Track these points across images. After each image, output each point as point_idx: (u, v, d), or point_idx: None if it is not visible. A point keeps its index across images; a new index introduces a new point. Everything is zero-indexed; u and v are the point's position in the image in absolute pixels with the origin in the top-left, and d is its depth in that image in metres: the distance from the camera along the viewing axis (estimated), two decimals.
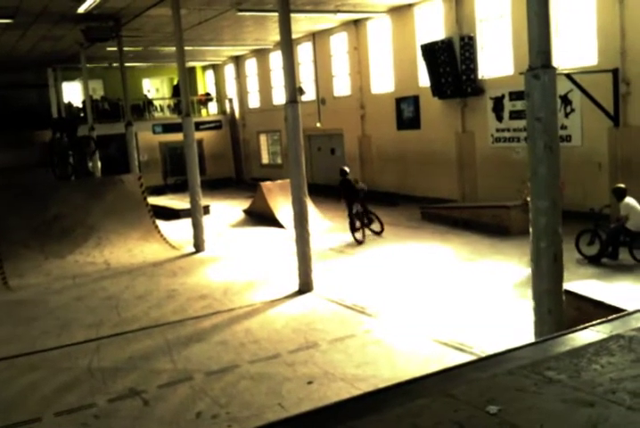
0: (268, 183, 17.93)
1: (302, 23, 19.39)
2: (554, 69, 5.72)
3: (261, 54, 26.21)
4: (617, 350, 2.73)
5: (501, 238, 12.94)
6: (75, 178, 20.76)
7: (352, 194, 14.00)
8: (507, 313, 8.41)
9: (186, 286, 11.10)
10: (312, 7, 16.99)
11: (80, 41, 18.47)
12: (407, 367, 6.77)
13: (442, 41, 16.33)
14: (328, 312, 9.13)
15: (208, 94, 30.87)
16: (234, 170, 30.12)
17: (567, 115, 13.88)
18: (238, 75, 28.90)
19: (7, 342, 8.57)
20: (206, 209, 16.93)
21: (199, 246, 13.98)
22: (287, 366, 7.11)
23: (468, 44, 16.06)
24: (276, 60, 24.19)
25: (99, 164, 21.66)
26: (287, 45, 10.10)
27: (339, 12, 17.78)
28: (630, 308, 3.89)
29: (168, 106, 29.66)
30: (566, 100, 13.73)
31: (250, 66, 27.80)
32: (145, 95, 30.07)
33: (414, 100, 18.37)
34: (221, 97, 30.46)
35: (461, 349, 7.20)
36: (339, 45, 21.60)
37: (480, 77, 16.20)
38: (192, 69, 30.28)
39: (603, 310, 6.02)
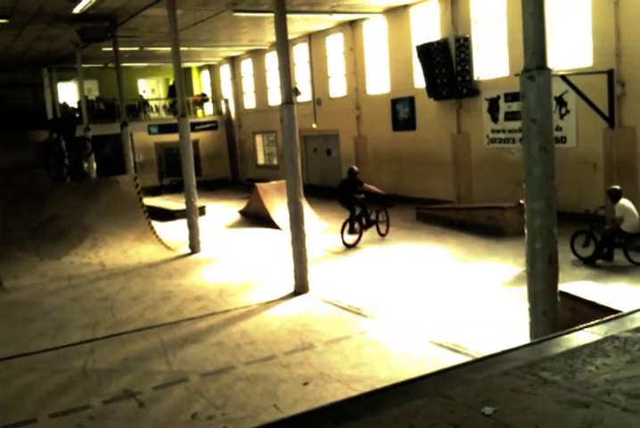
0: (264, 184, 17.93)
1: (298, 24, 19.40)
2: (549, 70, 5.74)
3: (257, 55, 26.21)
4: (612, 352, 2.74)
5: (496, 239, 12.96)
6: (70, 179, 20.70)
7: (354, 194, 13.76)
8: (502, 314, 8.43)
9: (182, 287, 11.08)
10: (308, 8, 17.00)
11: (76, 41, 18.44)
12: (403, 368, 6.78)
13: (438, 42, 16.36)
14: (324, 313, 9.13)
15: (203, 95, 30.85)
16: (230, 171, 30.11)
17: (562, 116, 13.92)
18: (234, 75, 28.89)
19: (3, 343, 8.55)
20: (202, 210, 16.90)
21: (194, 247, 13.96)
22: (283, 368, 7.11)
23: (463, 45, 16.10)
24: (272, 60, 24.17)
25: (94, 165, 21.63)
26: (283, 45, 10.10)
27: (334, 12, 17.80)
28: (625, 310, 3.90)
29: (164, 107, 29.63)
30: (561, 101, 13.77)
31: (246, 67, 27.80)
32: (141, 96, 30.05)
33: (410, 101, 18.40)
34: (217, 98, 30.45)
35: (456, 351, 7.21)
36: (334, 45, 21.62)
37: (475, 78, 16.23)
38: (188, 70, 30.27)
39: (598, 311, 6.04)
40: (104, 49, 19.69)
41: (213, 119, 29.71)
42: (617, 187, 10.82)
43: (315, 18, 18.74)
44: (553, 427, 2.18)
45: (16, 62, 23.73)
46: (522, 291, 6.35)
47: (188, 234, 14.07)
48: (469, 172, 16.91)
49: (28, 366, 7.69)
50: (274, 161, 26.86)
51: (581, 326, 3.14)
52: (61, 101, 27.23)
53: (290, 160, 10.24)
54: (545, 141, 5.67)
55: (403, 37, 18.28)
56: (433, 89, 16.75)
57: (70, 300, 10.63)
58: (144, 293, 10.82)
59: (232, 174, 30.10)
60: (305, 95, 22.99)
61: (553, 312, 5.85)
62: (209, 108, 30.46)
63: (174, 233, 15.69)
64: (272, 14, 10.27)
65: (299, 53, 23.37)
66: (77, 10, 15.03)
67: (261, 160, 28.23)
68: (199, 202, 14.71)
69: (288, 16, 10.53)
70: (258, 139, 28.07)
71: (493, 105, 15.79)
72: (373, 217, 14.06)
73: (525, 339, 5.80)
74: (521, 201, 11.66)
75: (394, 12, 18.39)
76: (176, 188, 24.07)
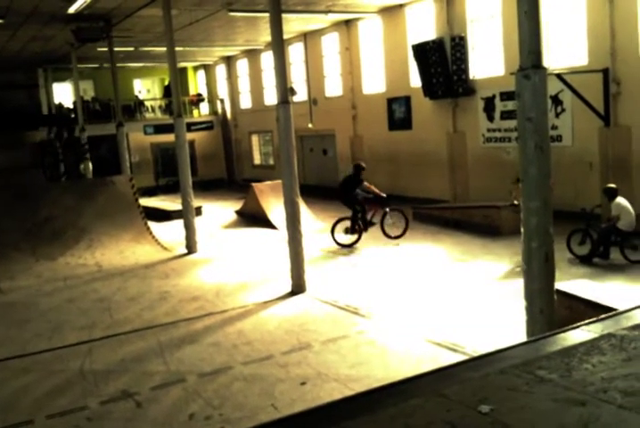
0: (260, 184, 17.92)
1: (293, 24, 19.40)
2: (545, 69, 5.74)
3: (252, 55, 26.19)
4: (608, 350, 2.74)
5: (492, 238, 12.97)
6: (66, 180, 20.67)
7: (353, 192, 13.50)
8: (499, 313, 8.44)
9: (178, 288, 11.06)
10: (303, 7, 17.00)
11: (71, 41, 18.41)
12: (400, 367, 6.78)
13: (433, 41, 16.38)
14: (321, 313, 9.12)
15: (199, 95, 30.80)
16: (226, 171, 30.08)
17: (558, 115, 13.94)
18: (229, 75, 28.86)
19: None
20: (198, 211, 16.89)
21: (191, 247, 13.95)
22: (280, 368, 7.10)
23: (459, 44, 16.11)
24: (268, 60, 24.17)
25: (90, 165, 21.58)
26: (278, 45, 10.10)
27: (330, 12, 17.80)
28: (621, 308, 3.91)
29: (160, 107, 29.58)
30: (557, 100, 13.79)
31: (242, 66, 27.77)
32: (136, 96, 29.99)
33: (406, 100, 18.41)
34: (212, 98, 30.41)
35: (453, 349, 7.22)
36: (330, 45, 21.62)
37: (471, 77, 16.24)
38: (184, 70, 30.23)
39: (594, 310, 6.06)
40: (99, 49, 19.65)
41: (209, 119, 29.68)
42: (613, 186, 10.85)
43: (310, 17, 18.74)
44: (549, 425, 2.18)
45: (11, 63, 23.69)
46: (519, 289, 6.36)
47: (184, 234, 14.05)
48: (465, 171, 16.93)
49: (25, 367, 7.66)
50: (271, 161, 26.84)
51: (578, 324, 3.14)
52: (56, 101, 27.19)
53: (286, 159, 10.23)
54: (541, 140, 5.67)
55: (398, 37, 18.29)
56: (429, 88, 16.76)
57: (67, 301, 10.60)
58: (141, 294, 10.80)
59: (228, 174, 30.08)
60: (301, 95, 22.98)
61: (549, 310, 5.86)
62: (204, 108, 30.41)
63: (170, 233, 15.66)
64: (267, 14, 10.24)
65: (295, 53, 23.36)
66: (72, 10, 15.01)
67: (257, 159, 28.21)
68: (195, 203, 14.69)
69: (283, 16, 10.53)
70: (254, 139, 28.05)
71: (489, 104, 15.81)
72: (387, 218, 13.54)
73: (522, 337, 5.80)
74: (515, 202, 11.78)
75: (389, 12, 18.39)
76: (172, 188, 24.03)
